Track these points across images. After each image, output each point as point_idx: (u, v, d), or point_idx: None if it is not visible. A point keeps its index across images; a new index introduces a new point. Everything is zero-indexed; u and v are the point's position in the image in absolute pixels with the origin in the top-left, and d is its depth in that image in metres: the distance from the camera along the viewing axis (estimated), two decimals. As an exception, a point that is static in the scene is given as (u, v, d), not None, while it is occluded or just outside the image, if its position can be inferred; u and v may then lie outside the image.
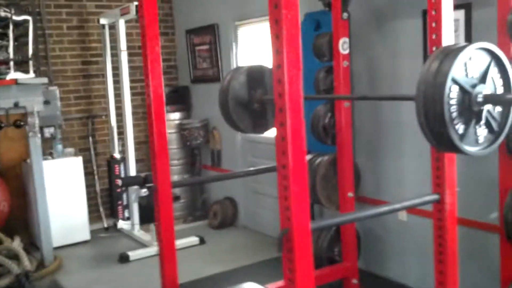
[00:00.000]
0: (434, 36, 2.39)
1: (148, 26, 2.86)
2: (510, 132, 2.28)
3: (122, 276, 4.65)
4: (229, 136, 5.81)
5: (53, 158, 5.38)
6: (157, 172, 2.97)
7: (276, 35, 1.91)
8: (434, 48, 2.39)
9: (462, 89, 2.10)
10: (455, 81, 2.08)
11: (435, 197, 2.48)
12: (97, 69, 6.00)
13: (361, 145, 4.10)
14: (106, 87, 5.81)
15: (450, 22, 2.37)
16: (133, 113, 5.67)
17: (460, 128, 2.13)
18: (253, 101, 3.47)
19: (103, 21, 5.62)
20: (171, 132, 6.19)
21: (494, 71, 2.18)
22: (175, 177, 6.11)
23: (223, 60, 5.69)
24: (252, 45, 5.39)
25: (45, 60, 5.48)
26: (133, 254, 4.96)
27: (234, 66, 5.59)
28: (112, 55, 5.75)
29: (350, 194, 3.75)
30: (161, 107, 2.96)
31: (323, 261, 3.89)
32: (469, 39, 3.23)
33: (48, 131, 5.47)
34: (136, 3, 4.97)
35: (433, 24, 2.39)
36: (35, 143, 4.59)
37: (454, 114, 2.10)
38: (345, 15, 3.63)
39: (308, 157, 3.89)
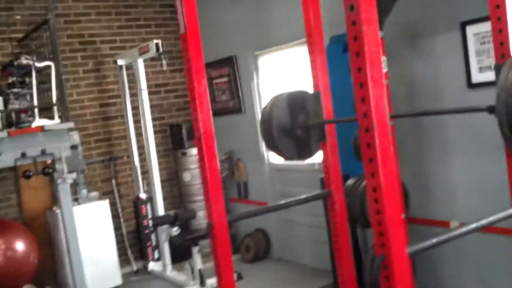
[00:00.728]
0: (500, 44, 2.32)
1: (194, 59, 2.77)
2: None
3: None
4: (255, 166, 5.71)
5: (78, 203, 5.24)
6: (212, 209, 2.83)
7: (357, 52, 1.83)
8: (501, 56, 2.31)
9: (544, 94, 2.02)
10: (538, 87, 2.00)
11: (516, 210, 2.37)
12: (115, 111, 5.93)
13: (405, 165, 3.99)
14: (127, 127, 5.72)
15: (516, 28, 2.31)
16: (155, 152, 5.58)
17: (545, 134, 2.05)
18: (296, 127, 3.38)
19: (120, 62, 5.57)
20: (194, 168, 6.10)
21: None
22: (201, 213, 5.98)
23: (244, 91, 5.63)
24: (273, 73, 5.34)
25: (64, 105, 5.40)
26: (172, 297, 4.78)
27: (256, 96, 5.54)
28: (131, 95, 5.69)
29: (403, 215, 3.62)
30: (211, 141, 2.85)
31: (377, 286, 3.74)
32: None
33: (70, 177, 5.34)
34: (156, 41, 4.95)
35: (498, 32, 2.32)
36: (65, 189, 4.45)
37: (539, 121, 2.02)
38: (381, 33, 3.56)
39: (352, 181, 3.79)
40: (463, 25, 3.45)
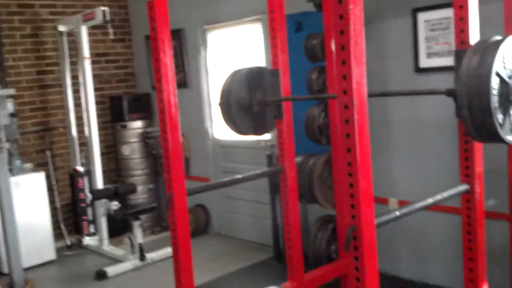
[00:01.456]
0: (461, 31, 2.46)
1: (160, 26, 2.72)
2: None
3: (104, 294, 4.41)
4: (198, 142, 5.69)
5: (12, 175, 4.99)
6: (173, 181, 2.83)
7: (341, 31, 1.89)
8: (461, 43, 2.46)
9: (502, 80, 2.19)
10: (497, 73, 2.16)
11: (465, 187, 2.56)
12: (53, 79, 5.67)
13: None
14: (65, 97, 5.49)
15: (476, 16, 2.46)
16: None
17: (500, 118, 2.22)
18: (254, 103, 3.42)
19: (61, 28, 5.32)
20: (133, 141, 5.99)
21: (523, 63, 2.29)
22: (139, 188, 5.90)
23: (191, 65, 5.57)
24: (222, 49, 5.31)
25: (3, 71, 5.10)
26: (110, 270, 4.70)
27: (203, 71, 5.50)
28: (70, 64, 5.47)
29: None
30: (175, 112, 2.83)
31: (322, 260, 3.90)
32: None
33: (5, 146, 5.08)
34: (103, 8, 4.78)
35: (460, 20, 2.46)
36: (2, 159, 4.24)
37: (496, 105, 2.18)
38: (336, 15, 3.65)
39: (300, 158, 3.89)
40: (415, 12, 3.62)
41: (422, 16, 3.56)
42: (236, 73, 3.40)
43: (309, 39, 3.82)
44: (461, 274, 2.89)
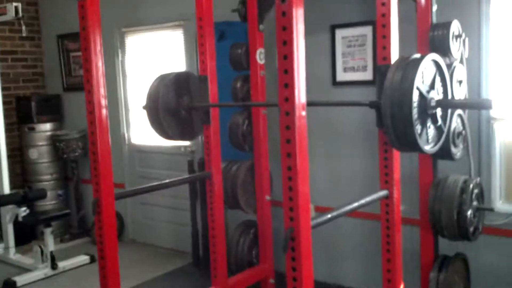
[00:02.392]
0: (383, 48, 2.67)
1: (90, 25, 2.67)
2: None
3: (12, 305, 4.16)
4: (113, 146, 5.50)
5: None
6: (101, 185, 2.77)
7: (284, 41, 1.99)
8: (383, 59, 2.67)
9: (421, 94, 2.41)
10: (417, 88, 2.38)
11: (384, 193, 2.76)
12: (-47, 76, 5.27)
13: (273, 152, 4.27)
14: (-33, 95, 5.13)
15: (396, 35, 2.68)
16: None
17: (418, 129, 2.44)
18: (181, 108, 3.44)
19: (-35, 21, 4.97)
20: (42, 145, 5.72)
21: (438, 80, 2.54)
22: (48, 193, 5.63)
23: (106, 67, 5.41)
24: (142, 54, 5.25)
25: None
26: (20, 280, 4.45)
27: (120, 74, 5.39)
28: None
29: (268, 198, 3.91)
30: (105, 114, 2.78)
31: (244, 264, 3.98)
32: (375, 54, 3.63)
33: None
34: (15, 4, 4.55)
35: (383, 37, 2.67)
36: None
37: (416, 116, 2.40)
38: (261, 27, 3.78)
39: (223, 164, 3.95)
40: (333, 28, 3.83)
41: (340, 33, 3.78)
42: (163, 77, 3.39)
43: (233, 48, 3.91)
44: (375, 275, 3.09)
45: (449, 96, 2.61)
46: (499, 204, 3.37)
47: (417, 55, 2.46)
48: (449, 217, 2.96)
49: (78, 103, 5.74)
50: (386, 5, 2.64)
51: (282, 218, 3.40)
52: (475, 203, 3.01)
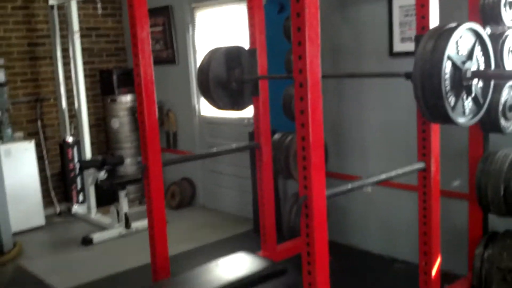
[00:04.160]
0: (422, 17, 2.59)
1: (137, 5, 2.85)
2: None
3: (88, 258, 4.59)
4: (185, 117, 5.84)
5: (3, 142, 5.15)
6: (148, 152, 2.98)
7: (298, 13, 2.02)
8: (422, 28, 2.59)
9: (454, 65, 2.33)
10: (449, 58, 2.30)
11: (421, 165, 2.72)
12: (44, 51, 5.78)
13: (326, 123, 4.29)
14: (55, 69, 5.61)
15: (436, 4, 2.59)
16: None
17: (452, 100, 2.36)
18: (232, 80, 3.56)
19: (52, 1, 5.41)
20: (123, 115, 6.12)
21: (478, 50, 2.43)
22: (128, 160, 6.05)
23: (179, 42, 5.68)
24: (210, 28, 5.42)
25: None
26: (96, 236, 4.89)
27: (191, 48, 5.61)
28: (61, 37, 5.58)
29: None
30: (151, 86, 2.96)
31: (296, 232, 4.08)
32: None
33: (-5, 115, 5.23)
34: (92, -18, 4.87)
35: (421, 6, 2.59)
36: (-9, 127, 4.39)
37: (448, 88, 2.33)
38: (316, -2, 3.76)
39: (278, 135, 4.05)
40: (390, -2, 3.73)
41: (397, 2, 3.67)
42: (214, 51, 3.52)
43: (288, 20, 3.94)
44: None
45: (493, 67, 2.49)
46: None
47: (453, 24, 2.37)
48: (496, 192, 2.85)
49: (156, 76, 6.04)
50: (424, -28, 2.54)
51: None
52: (525, 179, 2.86)
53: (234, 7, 5.11)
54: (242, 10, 5.04)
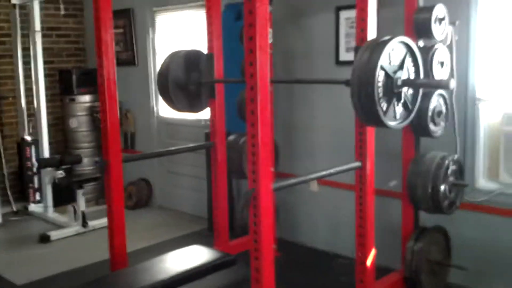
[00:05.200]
0: (361, 30, 2.90)
1: (103, 8, 3.03)
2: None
3: (45, 255, 4.68)
4: (143, 118, 6.00)
5: (-41, 140, 5.19)
6: (109, 148, 3.16)
7: (250, 24, 2.27)
8: (360, 40, 2.89)
9: (387, 74, 2.63)
10: (382, 68, 2.60)
11: (358, 164, 3.01)
12: (3, 50, 5.83)
13: (278, 126, 4.57)
14: (15, 68, 5.68)
15: (374, 19, 2.89)
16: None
17: (384, 106, 2.67)
18: (190, 83, 3.78)
19: (14, 0, 5.48)
20: (81, 115, 6.22)
21: (409, 61, 2.74)
22: (85, 160, 6.14)
23: (139, 45, 5.85)
24: (170, 32, 5.61)
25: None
26: (54, 234, 4.99)
27: (151, 51, 5.78)
28: (22, 36, 5.66)
29: (272, 169, 4.20)
30: (113, 86, 3.15)
31: (246, 230, 4.31)
32: (377, 34, 3.79)
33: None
34: (54, -17, 4.99)
35: (361, 20, 2.89)
36: (-50, 123, 4.45)
37: (381, 95, 2.62)
38: (270, 8, 4.03)
39: (233, 136, 4.28)
40: (338, 10, 4.04)
41: (343, 14, 3.98)
42: (174, 54, 3.74)
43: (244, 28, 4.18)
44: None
45: (423, 76, 2.81)
46: (482, 182, 3.52)
47: (386, 37, 2.67)
48: (424, 190, 3.17)
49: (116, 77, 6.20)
50: (364, -11, 2.85)
51: (286, 189, 3.65)
52: (451, 178, 3.20)
53: (194, 12, 5.32)
54: (201, 15, 5.27)
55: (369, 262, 3.12)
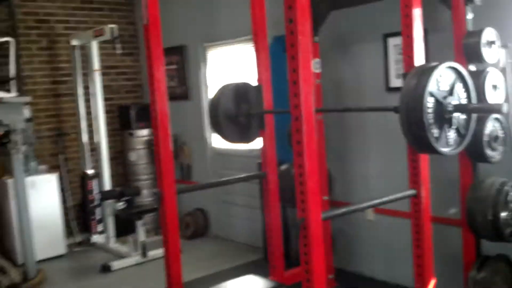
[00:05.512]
0: (407, 57, 2.87)
1: (154, 47, 3.17)
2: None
3: (106, 285, 4.84)
4: (198, 150, 6.13)
5: (28, 175, 5.47)
6: (163, 180, 3.25)
7: (292, 56, 2.31)
8: (408, 67, 2.87)
9: (436, 100, 2.58)
10: (431, 94, 2.56)
11: (412, 192, 2.95)
12: (66, 88, 6.17)
13: (332, 155, 4.54)
14: (77, 105, 5.98)
15: (420, 45, 2.87)
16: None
17: (435, 132, 2.61)
18: (240, 115, 3.85)
19: (74, 42, 5.81)
20: (140, 148, 6.44)
21: (459, 86, 2.69)
22: (144, 192, 6.33)
23: (191, 79, 6.04)
24: (220, 66, 5.76)
25: (20, 80, 5.61)
26: (115, 264, 5.15)
27: (203, 85, 5.95)
28: (82, 75, 5.97)
29: (325, 198, 4.18)
30: (166, 120, 3.25)
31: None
32: (427, 59, 3.75)
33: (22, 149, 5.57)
34: (111, 25, 5.26)
35: (407, 47, 2.87)
36: (19, 160, 4.72)
37: (431, 121, 2.57)
38: (316, 38, 4.08)
39: (284, 166, 4.30)
40: (386, 37, 4.02)
41: (391, 41, 3.96)
42: (224, 88, 3.83)
43: (292, 58, 4.24)
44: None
45: (475, 101, 2.74)
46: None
47: (434, 63, 2.64)
48: (484, 218, 3.06)
49: (170, 111, 6.38)
50: (409, 16, 2.83)
51: (342, 218, 3.59)
52: (512, 205, 3.07)
53: (243, 46, 5.45)
54: (249, 49, 5.38)
55: (427, 293, 3.02)
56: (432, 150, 2.62)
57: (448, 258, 3.71)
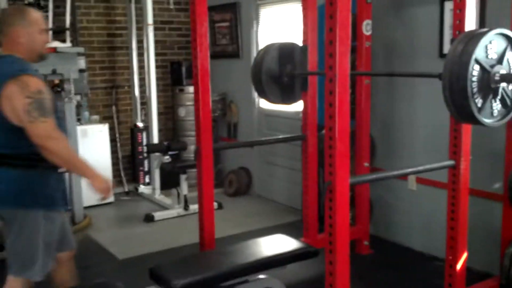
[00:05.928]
0: (458, 22, 2.73)
1: (198, 2, 3.16)
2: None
3: (148, 233, 5.02)
4: (245, 109, 6.15)
5: (81, 124, 5.69)
6: (201, 135, 3.29)
7: (331, 15, 2.24)
8: (457, 32, 2.72)
9: (482, 68, 2.46)
10: (477, 61, 2.43)
11: (451, 162, 2.85)
12: (121, 42, 6.30)
13: (376, 120, 4.44)
14: (130, 59, 6.10)
15: (472, 9, 2.71)
16: (154, 85, 5.99)
17: (479, 102, 2.50)
18: (283, 75, 3.81)
19: (130, -5, 5.90)
20: (189, 105, 6.51)
21: (510, 54, 2.53)
22: (191, 147, 6.43)
23: (243, 37, 6.00)
24: (273, 25, 5.69)
25: (75, 30, 5.77)
26: (157, 215, 5.33)
27: (254, 44, 5.90)
28: (137, 29, 6.06)
29: (366, 164, 4.11)
30: (207, 78, 3.27)
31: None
32: (483, 23, 3.56)
33: (75, 98, 5.77)
34: (166, -21, 5.27)
35: (458, 11, 2.72)
36: (71, 108, 4.90)
37: (475, 90, 2.46)
38: (369, -2, 3.94)
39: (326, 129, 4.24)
40: (443, 0, 3.83)
41: (448, 5, 3.76)
42: (269, 47, 3.79)
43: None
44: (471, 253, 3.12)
45: (528, 71, 2.58)
46: None
47: (484, 29, 2.50)
48: (527, 194, 2.92)
49: (221, 69, 6.42)
50: (462, -22, 2.67)
51: (383, 184, 3.46)
52: (558, 183, 2.92)
53: (295, 6, 5.34)
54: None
55: (459, 266, 2.95)
56: (474, 120, 2.52)
57: (486, 233, 3.60)
